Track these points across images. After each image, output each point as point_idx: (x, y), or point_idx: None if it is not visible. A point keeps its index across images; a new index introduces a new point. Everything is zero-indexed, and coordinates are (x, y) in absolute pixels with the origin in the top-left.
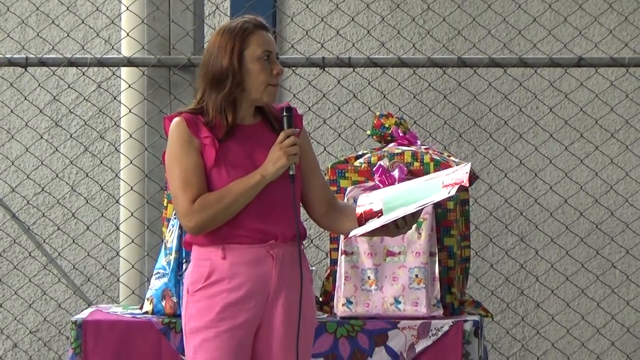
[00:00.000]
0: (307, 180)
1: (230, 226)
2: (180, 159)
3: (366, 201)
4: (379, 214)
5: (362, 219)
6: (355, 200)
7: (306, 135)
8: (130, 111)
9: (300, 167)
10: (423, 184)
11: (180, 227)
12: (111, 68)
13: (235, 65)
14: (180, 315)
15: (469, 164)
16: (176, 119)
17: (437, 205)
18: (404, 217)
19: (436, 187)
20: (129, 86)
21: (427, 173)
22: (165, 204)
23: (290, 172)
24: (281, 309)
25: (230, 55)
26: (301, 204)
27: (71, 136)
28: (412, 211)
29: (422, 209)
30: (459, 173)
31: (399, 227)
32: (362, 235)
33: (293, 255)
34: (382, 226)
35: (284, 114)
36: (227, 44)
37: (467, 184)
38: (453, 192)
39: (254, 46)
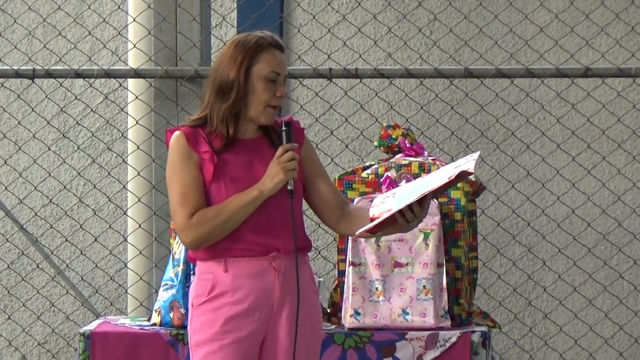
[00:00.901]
0: (315, 187)
1: (230, 240)
2: (179, 174)
3: (379, 201)
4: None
5: (376, 219)
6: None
7: (310, 144)
8: (137, 122)
9: (307, 179)
10: (433, 177)
11: None
12: (118, 79)
13: (241, 79)
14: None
15: (478, 152)
16: (176, 133)
17: (444, 217)
18: (412, 210)
19: (445, 177)
20: (136, 97)
21: None
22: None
23: (289, 187)
24: (285, 320)
25: (238, 68)
26: (315, 213)
27: (79, 148)
28: (415, 199)
29: (430, 200)
30: (469, 162)
31: (408, 220)
32: (372, 230)
33: (294, 266)
34: (393, 223)
35: (283, 128)
36: (237, 57)
37: (473, 170)
38: (453, 175)
39: (263, 64)
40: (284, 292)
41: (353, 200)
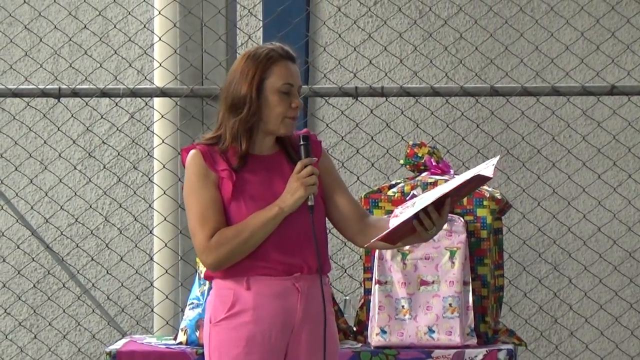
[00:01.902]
0: (333, 200)
1: (253, 259)
2: (197, 194)
3: (399, 211)
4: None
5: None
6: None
7: (327, 156)
8: (163, 141)
9: (325, 191)
10: (451, 183)
11: None
12: (144, 98)
13: (253, 94)
14: None
15: (498, 157)
16: (192, 152)
17: (470, 235)
18: (430, 218)
19: (461, 179)
20: (162, 116)
21: (461, 202)
22: None
23: (309, 203)
24: (306, 341)
25: (250, 83)
26: (334, 226)
27: (104, 167)
28: (430, 202)
29: (448, 207)
30: (489, 167)
31: (426, 228)
32: (390, 240)
33: (318, 287)
34: (412, 232)
35: (301, 142)
36: (249, 71)
37: (492, 175)
38: (469, 176)
39: (276, 77)
40: (306, 313)
41: None
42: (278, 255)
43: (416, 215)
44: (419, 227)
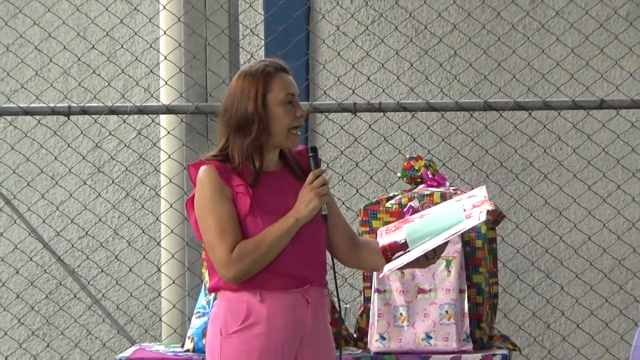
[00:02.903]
0: (329, 221)
1: (266, 272)
2: (214, 209)
3: (384, 231)
4: (404, 246)
5: (388, 252)
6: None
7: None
8: (169, 157)
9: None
10: (444, 212)
11: None
12: (151, 115)
13: (260, 110)
14: None
15: (484, 187)
16: (205, 167)
17: (465, 244)
18: (433, 248)
19: (458, 213)
20: (168, 133)
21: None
22: (204, 246)
23: (323, 213)
24: (312, 354)
25: (254, 101)
26: (327, 246)
27: (113, 182)
28: (442, 242)
29: (443, 244)
30: (479, 196)
31: (428, 258)
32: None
33: (322, 298)
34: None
35: (310, 154)
36: (250, 89)
37: (492, 206)
38: (483, 217)
39: (277, 90)
40: (314, 325)
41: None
42: (290, 268)
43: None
44: (421, 257)
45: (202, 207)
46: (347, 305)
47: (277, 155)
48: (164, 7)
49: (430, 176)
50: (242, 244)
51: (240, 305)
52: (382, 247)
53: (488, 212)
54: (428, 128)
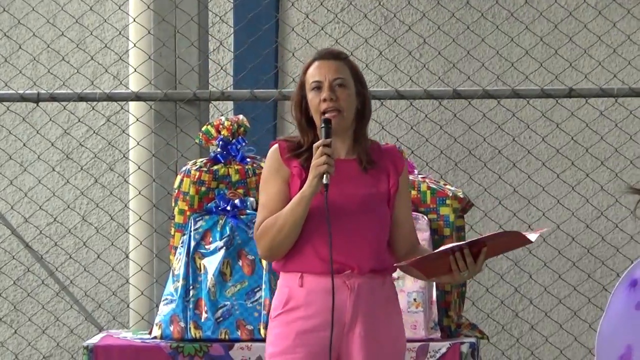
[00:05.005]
0: (398, 220)
1: (307, 255)
2: (264, 187)
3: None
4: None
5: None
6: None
7: (406, 175)
8: (138, 144)
9: (395, 206)
10: (491, 234)
11: (187, 255)
12: (120, 102)
13: (302, 95)
14: (187, 340)
15: (547, 229)
16: (274, 146)
17: (434, 232)
18: (464, 259)
19: (501, 230)
20: (137, 120)
21: (424, 201)
22: (172, 233)
23: (324, 182)
24: (358, 340)
25: (299, 87)
26: (389, 241)
27: (82, 168)
28: (463, 243)
29: (485, 256)
30: (533, 234)
31: (460, 269)
32: (425, 272)
33: (372, 287)
34: (447, 270)
35: (322, 125)
36: (300, 77)
37: (533, 240)
38: (534, 237)
39: (308, 77)
40: (356, 311)
41: None
42: (329, 253)
43: (452, 252)
44: (454, 266)
45: (261, 182)
46: None
47: (347, 144)
48: None
49: None
50: (266, 221)
51: (284, 290)
52: (423, 257)
53: (521, 238)
54: (397, 116)
